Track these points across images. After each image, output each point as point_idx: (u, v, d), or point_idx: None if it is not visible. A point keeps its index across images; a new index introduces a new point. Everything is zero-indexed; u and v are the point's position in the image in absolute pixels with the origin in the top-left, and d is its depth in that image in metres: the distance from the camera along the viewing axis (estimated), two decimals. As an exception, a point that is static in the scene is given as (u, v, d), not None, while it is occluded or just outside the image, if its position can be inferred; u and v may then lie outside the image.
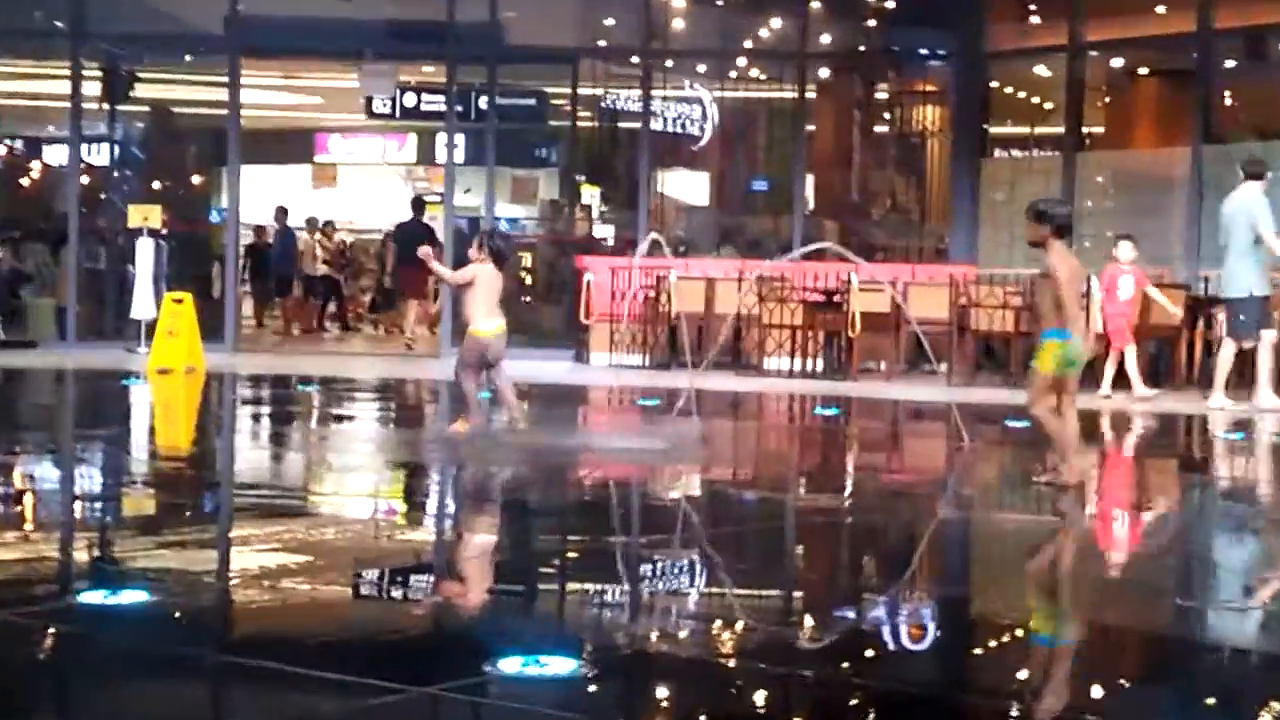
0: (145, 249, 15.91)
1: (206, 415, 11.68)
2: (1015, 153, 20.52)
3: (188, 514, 6.82)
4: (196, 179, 22.24)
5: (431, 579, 5.53)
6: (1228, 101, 17.23)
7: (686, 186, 22.32)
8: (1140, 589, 5.63)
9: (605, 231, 21.03)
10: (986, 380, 13.78)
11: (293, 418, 11.40)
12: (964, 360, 14.21)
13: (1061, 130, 17.06)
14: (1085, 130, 17.69)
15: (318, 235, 22.09)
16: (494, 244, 8.84)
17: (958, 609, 5.28)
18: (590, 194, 21.95)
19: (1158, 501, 8.19)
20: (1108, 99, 18.78)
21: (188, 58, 19.07)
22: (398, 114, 19.60)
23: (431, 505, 7.41)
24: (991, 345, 14.47)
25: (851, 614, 5.11)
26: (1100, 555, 6.43)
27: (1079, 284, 7.44)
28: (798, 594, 5.54)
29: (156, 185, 19.78)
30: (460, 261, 10.24)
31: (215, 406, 12.28)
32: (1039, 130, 21.10)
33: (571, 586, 5.54)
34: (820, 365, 14.84)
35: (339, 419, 11.28)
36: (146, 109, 19.15)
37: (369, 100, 20.27)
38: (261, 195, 20.67)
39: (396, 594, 5.26)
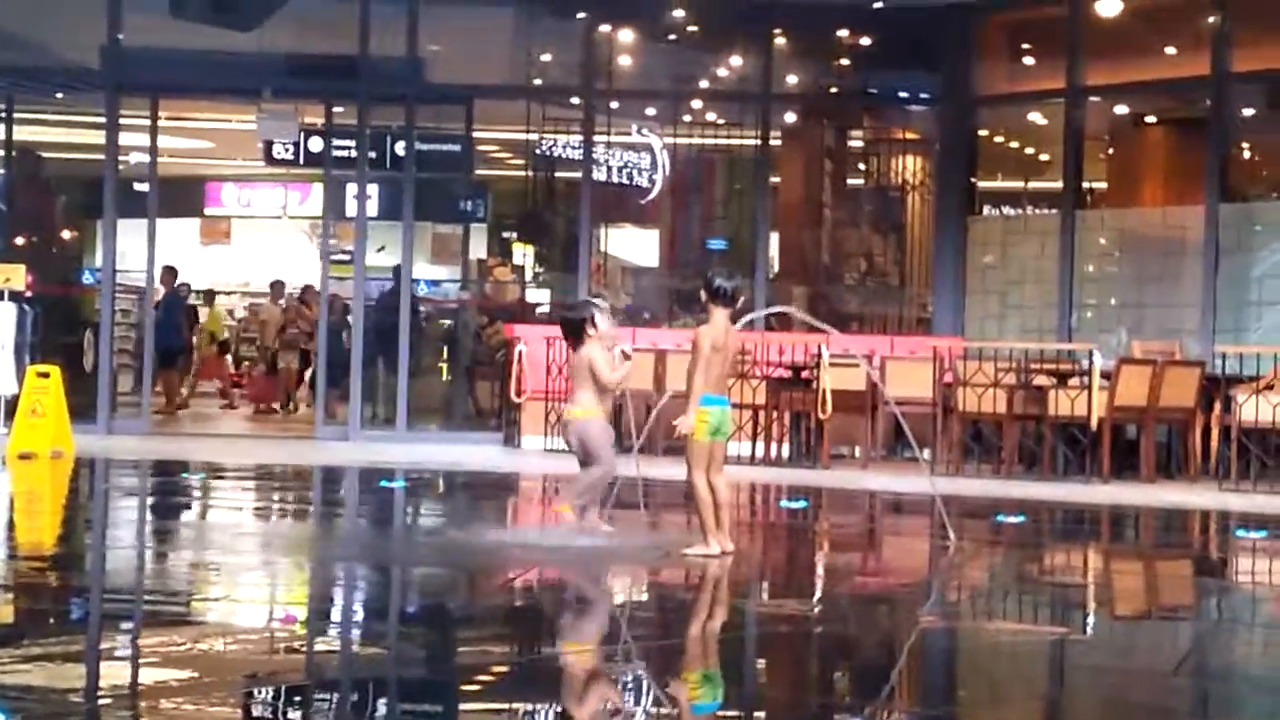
0: (6, 315, 15.82)
1: (75, 508, 11.57)
2: (1007, 210, 20.79)
3: (53, 622, 6.75)
4: (67, 234, 22.14)
5: (333, 699, 5.49)
6: (1247, 154, 17.54)
7: (633, 245, 22.45)
8: (1155, 712, 5.66)
9: (540, 296, 21.08)
10: (975, 469, 13.88)
11: (175, 510, 11.31)
12: (950, 446, 14.30)
13: (1059, 185, 17.29)
14: (1086, 185, 17.95)
15: (285, 303, 22.30)
16: (563, 317, 9.03)
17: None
18: (523, 253, 22.03)
19: (1178, 610, 8.24)
20: (1111, 150, 19.07)
21: (59, 95, 19.04)
22: (301, 160, 19.62)
23: (336, 612, 7.36)
24: (981, 429, 14.60)
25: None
26: (1114, 673, 6.47)
27: (722, 357, 8.46)
28: (758, 716, 5.54)
29: (20, 241, 19.66)
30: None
31: (86, 497, 12.17)
32: (1034, 185, 21.40)
33: (487, 709, 5.52)
34: (786, 451, 14.90)
35: (229, 510, 11.21)
36: (10, 152, 19.08)
37: (268, 145, 20.29)
38: (142, 252, 20.59)
39: (294, 717, 5.22)
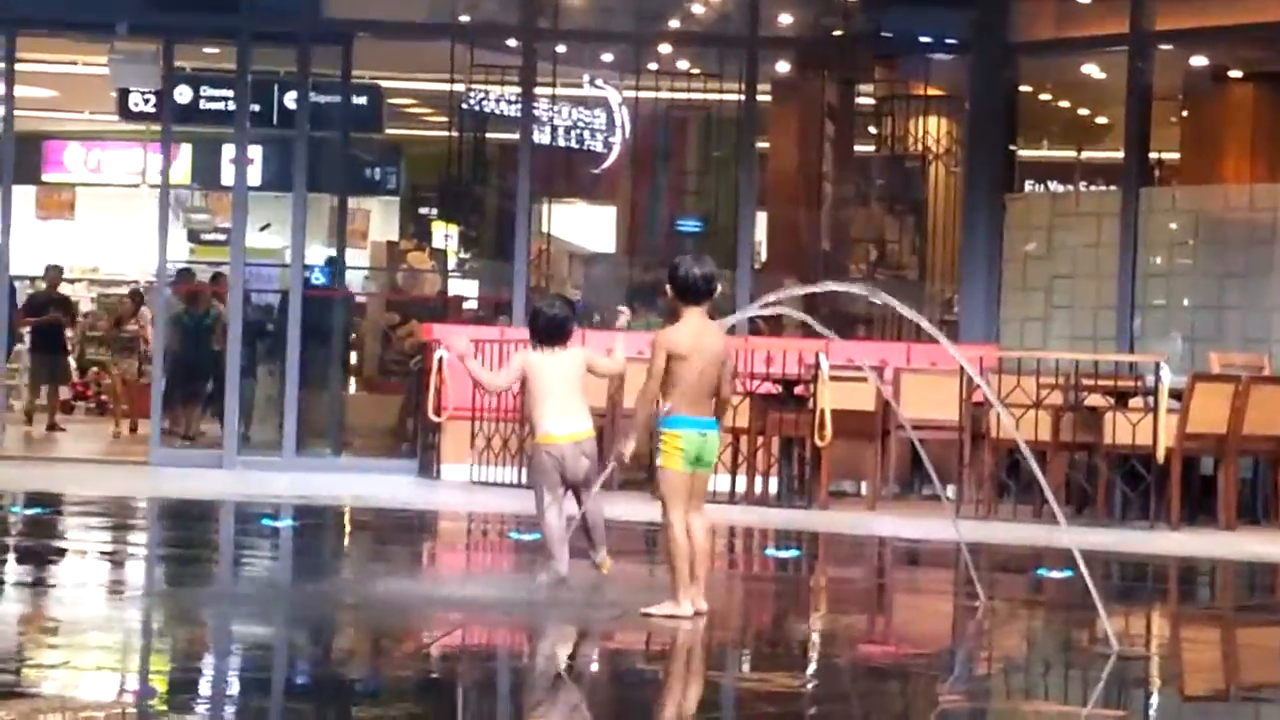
0: None
1: None
2: (1055, 186, 20.92)
3: None
4: None
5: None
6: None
7: (584, 226, 22.49)
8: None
9: (466, 289, 21.06)
10: (1011, 511, 13.95)
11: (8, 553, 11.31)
12: (979, 482, 14.36)
13: (1120, 156, 17.38)
14: (1154, 156, 18.04)
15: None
16: (538, 315, 9.03)
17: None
18: (444, 234, 22.03)
19: (1262, 689, 8.30)
20: (1185, 112, 19.19)
21: None
22: (165, 115, 19.56)
23: (204, 684, 7.37)
24: (1019, 460, 14.67)
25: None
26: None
27: (695, 366, 8.45)
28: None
29: None
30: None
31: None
32: (1088, 155, 21.53)
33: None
34: (775, 486, 14.94)
35: (68, 555, 11.19)
36: None
37: (123, 94, 20.25)
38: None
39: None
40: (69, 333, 22.17)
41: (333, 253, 19.85)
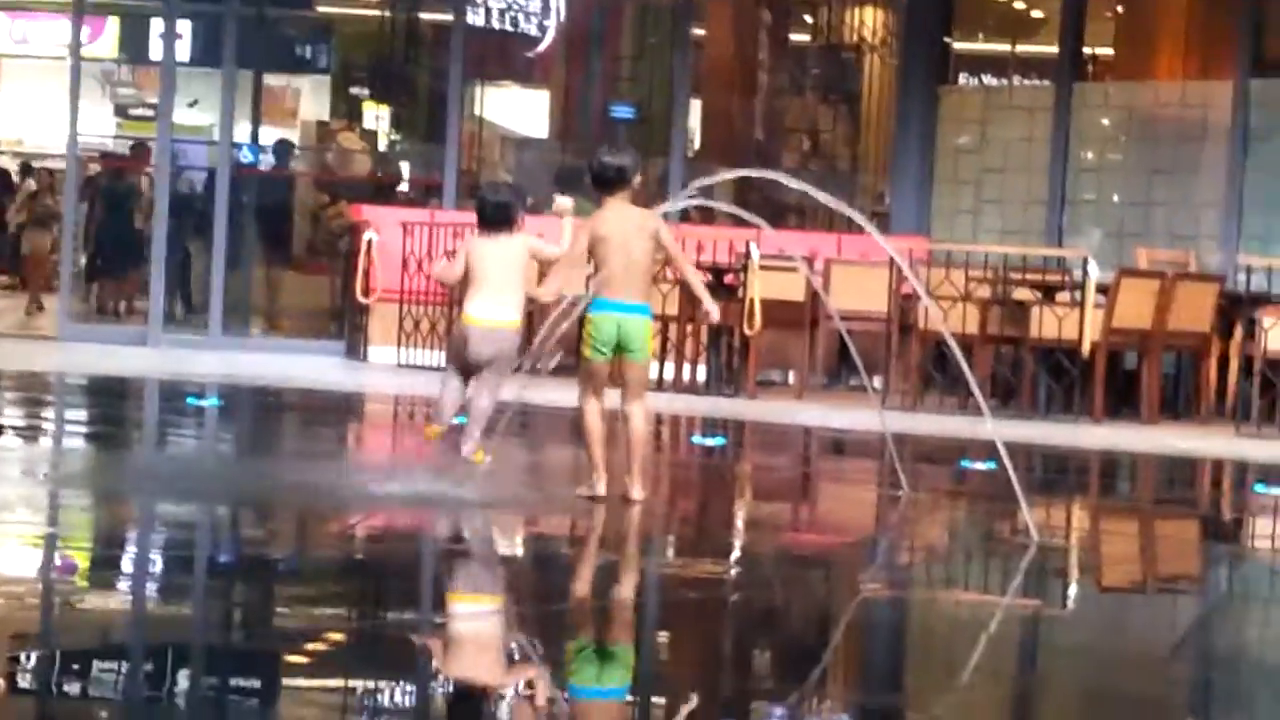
0: None
1: None
2: (989, 80, 20.89)
3: None
4: None
5: (121, 668, 5.50)
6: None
7: (517, 110, 22.34)
8: (1145, 705, 5.77)
9: (396, 170, 20.93)
10: (938, 402, 14.02)
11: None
12: (907, 373, 14.42)
13: (1054, 50, 17.38)
14: (1087, 51, 18.04)
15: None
16: (483, 202, 8.94)
17: (881, 713, 5.37)
18: (375, 115, 21.87)
19: (1178, 582, 8.39)
20: (1120, 8, 19.19)
21: None
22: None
23: (125, 560, 7.35)
24: (946, 352, 14.73)
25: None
26: (1084, 653, 6.59)
27: (616, 250, 8.49)
28: (658, 704, 5.59)
29: None
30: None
31: None
32: (1022, 49, 21.48)
33: (309, 686, 5.55)
34: (702, 374, 14.96)
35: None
36: None
37: (50, -36, 19.95)
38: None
39: (70, 689, 5.22)
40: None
41: (261, 131, 19.71)
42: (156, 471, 9.57)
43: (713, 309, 9.01)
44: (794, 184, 9.70)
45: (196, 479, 9.18)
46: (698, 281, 9.22)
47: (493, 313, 8.77)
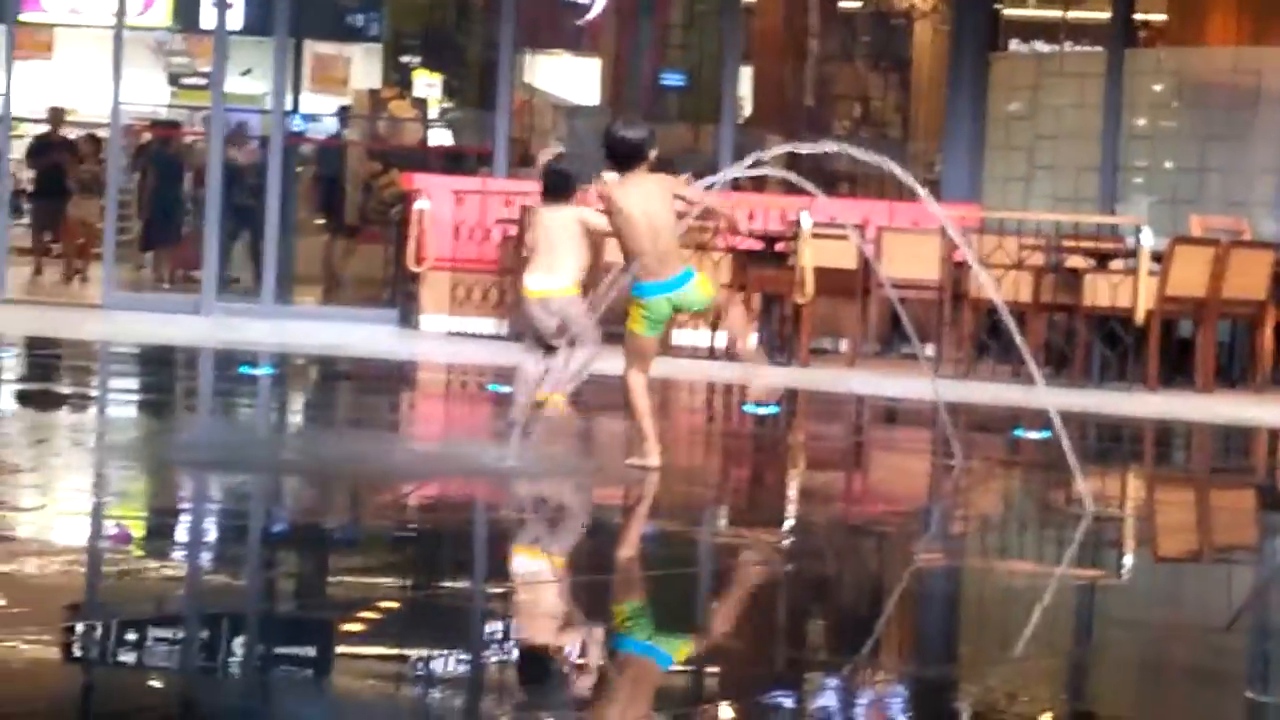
0: None
1: None
2: (1040, 46, 20.79)
3: None
4: None
5: (178, 637, 5.52)
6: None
7: (568, 78, 22.35)
8: (1200, 676, 5.75)
9: (447, 138, 20.97)
10: (990, 371, 13.97)
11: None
12: (959, 341, 14.38)
13: (1106, 16, 17.28)
14: (1139, 17, 17.94)
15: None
16: (546, 172, 8.98)
17: (938, 701, 5.35)
18: (427, 83, 21.90)
19: (1235, 552, 8.35)
20: (1173, -27, 19.06)
21: None
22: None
23: (181, 530, 7.37)
24: (998, 320, 14.67)
25: (788, 704, 5.16)
26: (1138, 625, 6.55)
27: (639, 220, 8.41)
28: (712, 673, 5.58)
29: None
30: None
31: None
32: (1074, 15, 21.36)
33: (367, 654, 5.55)
34: (754, 343, 14.93)
35: (41, 401, 11.18)
36: None
37: (104, -66, 20.00)
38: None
39: (124, 656, 5.23)
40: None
41: (314, 100, 19.75)
42: (210, 438, 9.60)
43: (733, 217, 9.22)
44: (859, 154, 9.64)
45: (250, 448, 9.20)
46: (719, 202, 9.32)
47: (544, 283, 8.78)
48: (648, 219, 8.42)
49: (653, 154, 8.57)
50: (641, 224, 8.40)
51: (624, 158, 8.52)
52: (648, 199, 8.45)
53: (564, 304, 8.79)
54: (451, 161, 19.10)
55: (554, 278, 8.79)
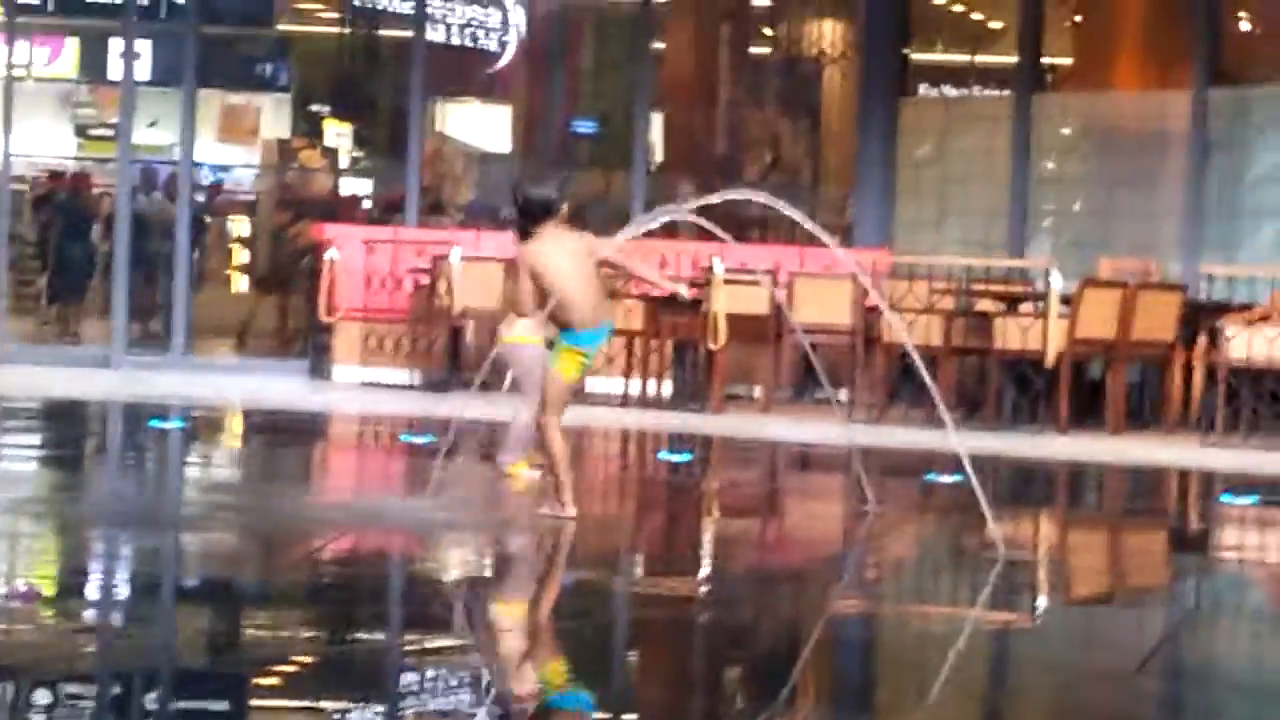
0: None
1: None
2: (949, 91, 20.95)
3: None
4: None
5: (88, 696, 5.47)
6: (1245, 26, 17.76)
7: (479, 125, 22.35)
8: (1110, 717, 5.78)
9: (358, 188, 20.93)
10: (903, 415, 14.03)
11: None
12: (872, 386, 14.42)
13: (1014, 60, 17.42)
14: (1046, 61, 18.09)
15: None
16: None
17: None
18: (336, 132, 21.85)
19: (1147, 595, 8.40)
20: (1078, 18, 19.24)
21: None
22: (50, 6, 19.28)
23: (90, 587, 7.31)
24: (911, 365, 14.74)
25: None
26: (1056, 669, 6.58)
27: (564, 275, 8.42)
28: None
29: None
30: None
31: None
32: (982, 59, 21.55)
33: (278, 707, 5.52)
34: (668, 389, 14.95)
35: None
36: None
37: (9, -15, 19.85)
38: None
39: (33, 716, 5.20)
40: None
41: (222, 151, 19.67)
42: (119, 494, 9.52)
43: (681, 289, 9.12)
44: (769, 201, 9.70)
45: (159, 503, 9.14)
46: (654, 275, 9.32)
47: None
48: (573, 268, 8.45)
49: (564, 207, 8.59)
50: (568, 273, 8.42)
51: (535, 216, 8.54)
52: (573, 255, 8.47)
53: (509, 350, 8.95)
54: (362, 211, 19.08)
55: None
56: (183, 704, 5.52)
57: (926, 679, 6.23)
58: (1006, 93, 17.52)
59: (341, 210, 18.97)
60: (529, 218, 8.55)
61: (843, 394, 14.07)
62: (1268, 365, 13.36)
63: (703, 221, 10.01)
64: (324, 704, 5.51)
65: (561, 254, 8.49)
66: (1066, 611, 7.82)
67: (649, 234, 15.45)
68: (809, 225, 9.42)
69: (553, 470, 8.62)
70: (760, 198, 9.91)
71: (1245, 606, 8.25)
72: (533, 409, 8.89)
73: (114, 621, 6.75)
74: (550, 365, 8.62)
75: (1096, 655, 6.85)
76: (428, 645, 6.49)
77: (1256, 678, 6.61)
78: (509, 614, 7.18)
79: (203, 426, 13.26)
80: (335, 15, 20.09)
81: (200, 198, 18.99)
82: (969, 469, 8.35)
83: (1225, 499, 11.02)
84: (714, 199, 9.65)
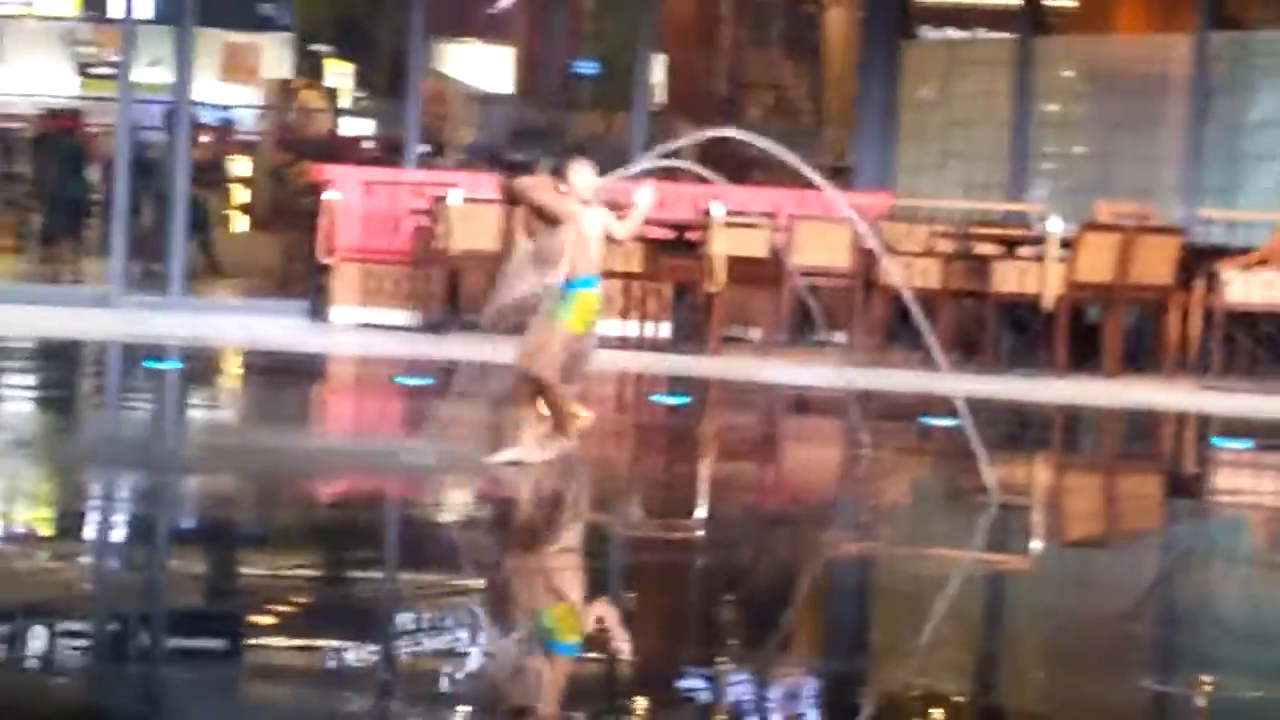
0: None
1: None
2: (951, 33, 20.86)
3: None
4: None
5: (85, 632, 5.48)
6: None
7: (480, 66, 22.26)
8: (1103, 661, 5.78)
9: (359, 128, 20.87)
10: (901, 357, 14.01)
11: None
12: (870, 329, 14.41)
13: (1018, 2, 17.35)
14: (1049, 4, 18.02)
15: None
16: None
17: (849, 689, 5.37)
18: (338, 73, 21.76)
19: (1141, 538, 8.41)
20: (1082, -40, 19.16)
21: None
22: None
23: (87, 527, 7.32)
24: (909, 308, 14.71)
25: (700, 693, 5.16)
26: (1047, 614, 6.59)
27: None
28: (622, 663, 5.58)
29: None
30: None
31: None
32: (985, 2, 21.46)
33: (271, 646, 5.52)
34: (667, 332, 14.94)
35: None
36: None
37: (9, -76, 19.79)
38: None
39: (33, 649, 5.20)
40: None
41: (223, 90, 19.59)
42: (115, 434, 9.53)
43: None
44: (757, 141, 9.65)
45: (152, 445, 9.15)
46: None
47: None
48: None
49: (547, 171, 8.58)
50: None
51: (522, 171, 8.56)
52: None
53: None
54: (363, 151, 19.04)
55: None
56: (176, 641, 5.53)
57: (915, 626, 6.23)
58: (1009, 35, 17.44)
59: (342, 151, 18.91)
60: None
61: (841, 337, 14.06)
62: (1265, 309, 13.35)
63: (694, 166, 9.99)
64: (318, 644, 5.51)
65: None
66: (1058, 556, 7.82)
67: (649, 174, 15.53)
68: (801, 167, 9.38)
69: (556, 415, 8.51)
70: (746, 137, 9.85)
71: (1238, 550, 8.26)
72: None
73: (108, 564, 6.76)
74: (562, 321, 8.50)
75: (1087, 600, 6.86)
76: (420, 587, 6.50)
77: (1247, 621, 6.62)
78: (498, 556, 7.19)
79: (199, 367, 13.24)
80: (337, -46, 20.06)
81: (205, 138, 18.94)
82: (963, 412, 8.34)
83: (1218, 443, 11.02)
84: (703, 136, 9.61)
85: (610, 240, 8.72)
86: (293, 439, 9.35)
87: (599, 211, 8.62)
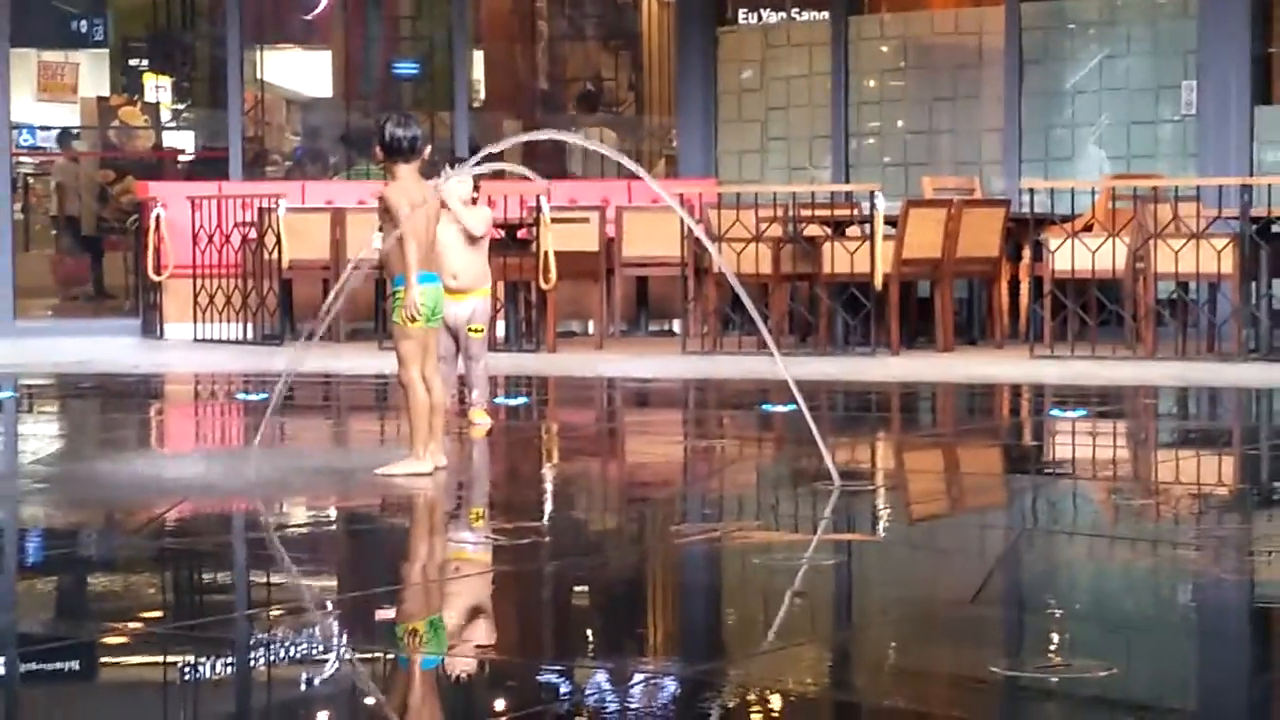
0: None
1: None
2: (767, 15, 20.92)
3: None
4: None
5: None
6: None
7: (299, 72, 22.07)
8: (948, 650, 5.78)
9: (181, 141, 20.62)
10: (736, 344, 14.04)
11: None
12: (705, 317, 14.43)
13: (830, -17, 17.45)
14: (862, -17, 18.13)
15: None
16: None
17: (698, 682, 5.32)
18: (156, 86, 21.48)
19: (983, 513, 8.44)
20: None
21: None
22: None
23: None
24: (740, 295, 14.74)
25: (549, 690, 5.10)
26: (892, 601, 6.59)
27: (423, 222, 8.41)
28: (462, 664, 5.51)
29: None
30: None
31: None
32: (799, -17, 21.55)
33: (111, 678, 5.40)
34: (501, 331, 14.87)
35: None
36: None
37: None
38: None
39: None
40: None
41: (41, 110, 19.27)
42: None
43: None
44: (574, 140, 9.64)
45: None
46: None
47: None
48: (428, 216, 8.44)
49: (426, 151, 8.57)
50: (422, 219, 8.40)
51: (401, 153, 8.45)
52: (426, 197, 8.44)
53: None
54: (186, 165, 18.79)
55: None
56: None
57: (759, 618, 6.20)
58: (823, 15, 17.53)
59: (166, 166, 18.67)
60: (396, 153, 8.45)
61: (676, 325, 14.07)
62: (1090, 274, 13.48)
63: (522, 170, 9.97)
64: (163, 665, 5.39)
65: (424, 196, 8.46)
66: (901, 539, 7.82)
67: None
68: (622, 159, 9.37)
69: (412, 425, 8.48)
70: (564, 137, 9.86)
71: (1079, 523, 8.30)
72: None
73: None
74: (397, 319, 8.49)
75: (931, 587, 6.85)
76: (270, 607, 6.39)
77: (1090, 597, 6.65)
78: (362, 572, 7.08)
79: (31, 391, 12.98)
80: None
81: (26, 159, 18.63)
82: (798, 397, 8.33)
83: (1054, 414, 11.11)
84: (499, 146, 9.58)
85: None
86: (139, 463, 9.19)
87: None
